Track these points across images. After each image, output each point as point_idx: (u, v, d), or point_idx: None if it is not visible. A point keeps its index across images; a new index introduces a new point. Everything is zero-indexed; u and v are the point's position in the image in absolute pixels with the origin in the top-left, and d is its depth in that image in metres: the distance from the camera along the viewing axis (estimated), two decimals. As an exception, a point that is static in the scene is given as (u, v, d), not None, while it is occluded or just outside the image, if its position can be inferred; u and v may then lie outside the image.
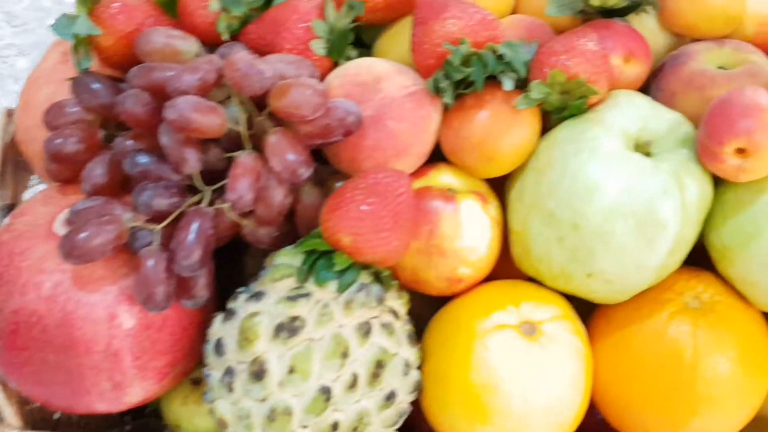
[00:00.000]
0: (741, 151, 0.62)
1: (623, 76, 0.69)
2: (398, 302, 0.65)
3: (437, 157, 0.68)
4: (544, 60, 0.65)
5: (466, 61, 0.64)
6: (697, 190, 0.63)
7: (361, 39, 0.74)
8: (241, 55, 0.62)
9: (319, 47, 0.68)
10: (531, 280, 0.68)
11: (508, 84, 0.65)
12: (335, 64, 0.70)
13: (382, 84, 0.66)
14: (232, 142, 0.64)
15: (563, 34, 0.67)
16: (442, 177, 0.67)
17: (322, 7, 0.68)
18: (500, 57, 0.65)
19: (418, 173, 0.67)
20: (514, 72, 0.65)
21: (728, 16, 0.71)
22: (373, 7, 0.70)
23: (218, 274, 0.66)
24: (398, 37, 0.72)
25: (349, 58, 0.70)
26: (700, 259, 0.67)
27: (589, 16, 0.72)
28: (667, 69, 0.71)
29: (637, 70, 0.70)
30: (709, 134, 0.63)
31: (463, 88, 0.65)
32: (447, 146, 0.67)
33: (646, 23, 0.74)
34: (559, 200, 0.63)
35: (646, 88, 0.71)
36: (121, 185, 0.66)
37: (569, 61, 0.64)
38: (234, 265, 0.72)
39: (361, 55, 0.71)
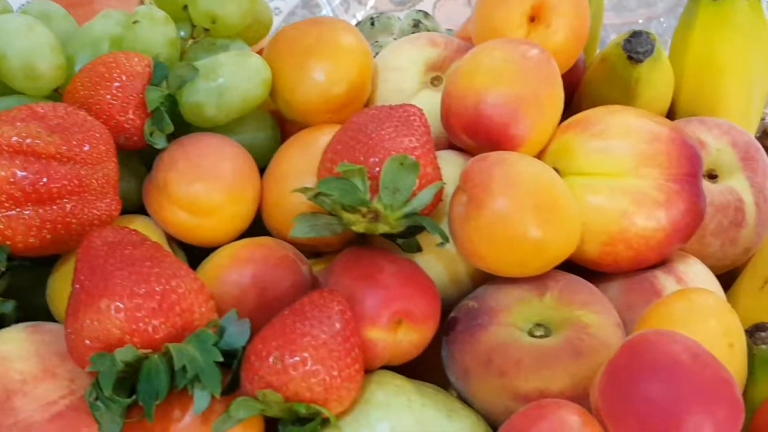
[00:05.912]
0: None
1: (390, 349, 0.47)
2: None
3: None
4: (251, 369, 0.43)
5: (131, 372, 0.43)
6: None
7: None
8: None
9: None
10: None
11: (200, 403, 0.43)
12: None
13: (16, 401, 0.44)
14: None
15: (285, 315, 0.44)
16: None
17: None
18: (183, 369, 0.43)
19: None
20: (206, 387, 0.43)
21: (545, 261, 0.48)
22: (26, 248, 0.47)
23: None
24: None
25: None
26: None
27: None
28: (460, 329, 0.49)
29: (415, 337, 0.48)
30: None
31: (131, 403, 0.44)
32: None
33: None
34: None
35: (436, 345, 0.50)
36: None
37: (277, 376, 0.42)
38: None
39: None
